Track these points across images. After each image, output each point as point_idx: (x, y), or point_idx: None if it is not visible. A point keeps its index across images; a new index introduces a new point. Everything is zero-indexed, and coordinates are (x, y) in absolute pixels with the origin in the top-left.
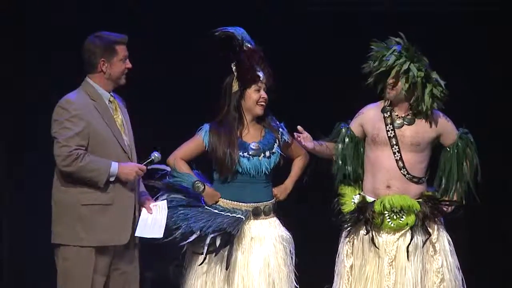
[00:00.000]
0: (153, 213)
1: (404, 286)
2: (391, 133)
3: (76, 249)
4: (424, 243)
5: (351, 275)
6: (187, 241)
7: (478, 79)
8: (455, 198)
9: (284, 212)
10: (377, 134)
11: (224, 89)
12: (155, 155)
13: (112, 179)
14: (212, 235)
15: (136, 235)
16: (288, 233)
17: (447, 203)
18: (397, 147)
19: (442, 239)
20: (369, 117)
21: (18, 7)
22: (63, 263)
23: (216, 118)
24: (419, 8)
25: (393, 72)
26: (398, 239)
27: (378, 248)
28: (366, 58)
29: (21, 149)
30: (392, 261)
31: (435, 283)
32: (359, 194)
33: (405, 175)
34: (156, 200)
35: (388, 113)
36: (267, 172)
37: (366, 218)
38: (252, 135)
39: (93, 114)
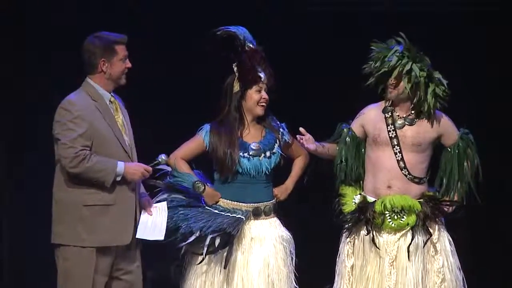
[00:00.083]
0: (153, 215)
1: (405, 286)
2: (392, 134)
3: (77, 249)
4: (425, 243)
5: (352, 275)
6: (186, 242)
7: (477, 79)
8: (456, 199)
9: (285, 212)
10: (378, 134)
11: (225, 89)
12: (162, 157)
13: (118, 178)
14: (211, 236)
15: (137, 237)
16: (289, 233)
17: (448, 203)
18: (398, 147)
19: (443, 239)
20: (370, 117)
21: (18, 7)
22: (64, 263)
23: (217, 118)
24: (419, 8)
25: (395, 72)
26: (399, 239)
27: (379, 248)
28: (367, 59)
29: (21, 149)
30: (393, 261)
31: (436, 283)
32: (360, 194)
33: (406, 176)
34: (156, 200)
35: (389, 114)
36: (267, 172)
37: (367, 218)
38: (252, 135)
39: (95, 115)
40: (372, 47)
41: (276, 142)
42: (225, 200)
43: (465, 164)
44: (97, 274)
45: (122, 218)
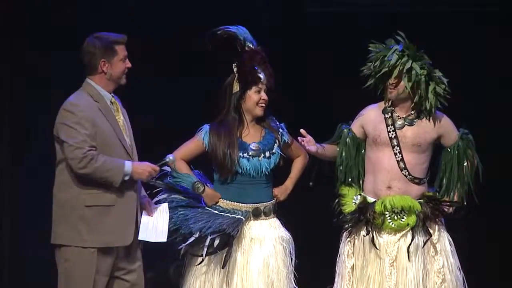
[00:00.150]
0: (154, 216)
1: (405, 287)
2: (392, 134)
3: (78, 250)
4: (424, 244)
5: (352, 275)
6: (186, 243)
7: (477, 79)
8: (455, 199)
9: (285, 212)
10: (378, 135)
11: (224, 89)
12: (170, 157)
13: (126, 178)
14: (211, 236)
15: (139, 238)
16: (288, 234)
17: (448, 203)
18: (398, 148)
19: (443, 239)
20: (370, 118)
21: (18, 7)
22: (65, 263)
23: (216, 118)
24: (419, 8)
25: (396, 72)
26: (399, 239)
27: (378, 249)
28: (366, 60)
29: (21, 149)
30: (393, 262)
31: (436, 283)
32: (360, 194)
33: (406, 176)
34: (155, 200)
35: (389, 114)
36: (267, 173)
37: (367, 218)
38: (252, 136)
39: (98, 116)
40: (370, 48)
41: (276, 143)
42: (225, 200)
43: (465, 164)
44: (98, 275)
45: (124, 218)
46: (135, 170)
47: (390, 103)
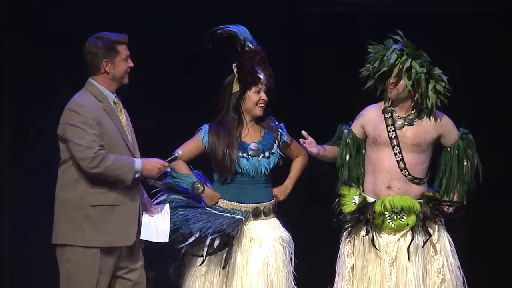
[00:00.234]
0: (155, 216)
1: (406, 287)
2: (392, 134)
3: (81, 250)
4: (424, 244)
5: (352, 275)
6: (186, 243)
7: (477, 79)
8: (455, 199)
9: (284, 212)
10: (378, 135)
11: (224, 89)
12: (179, 152)
13: (137, 175)
14: (211, 237)
15: (141, 238)
16: (288, 234)
17: (448, 203)
18: (398, 148)
19: (443, 239)
20: (370, 118)
21: (18, 7)
22: (67, 264)
23: (216, 118)
24: (419, 8)
25: (395, 71)
26: (399, 239)
27: (378, 249)
28: (365, 60)
29: (21, 149)
30: (393, 262)
31: (436, 283)
32: (360, 194)
33: (406, 176)
34: (155, 200)
35: (389, 114)
36: (266, 173)
37: (367, 218)
38: (251, 136)
39: (103, 116)
40: (369, 49)
41: (275, 142)
42: (225, 200)
43: (465, 164)
44: (101, 275)
45: (127, 218)
46: (144, 167)
47: (390, 103)
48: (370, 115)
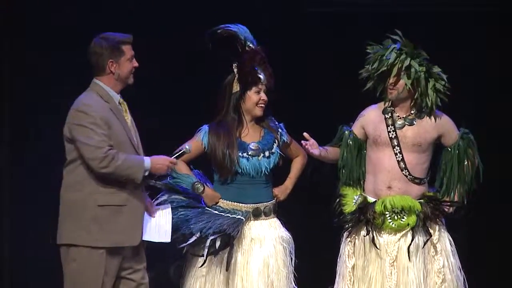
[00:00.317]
0: (157, 217)
1: (407, 287)
2: (392, 134)
3: (87, 250)
4: (424, 244)
5: (353, 275)
6: (186, 243)
7: (477, 79)
8: (456, 199)
9: (285, 212)
10: (378, 135)
11: (224, 89)
12: (186, 147)
13: (146, 173)
14: (212, 237)
15: (143, 239)
16: (288, 234)
17: (448, 203)
18: (398, 148)
19: (443, 239)
20: (370, 118)
21: (18, 7)
22: (72, 264)
23: (215, 118)
24: (419, 8)
25: (394, 70)
26: (399, 239)
27: (379, 249)
28: (365, 61)
29: (21, 149)
30: (393, 262)
31: (436, 283)
32: (361, 194)
33: (406, 176)
34: (156, 201)
35: (389, 114)
36: (266, 173)
37: (367, 218)
38: (251, 136)
39: (110, 116)
40: (368, 50)
41: (275, 142)
42: (225, 201)
43: (466, 164)
44: (106, 276)
45: (134, 218)
46: (153, 166)
47: (390, 103)
48: (370, 116)
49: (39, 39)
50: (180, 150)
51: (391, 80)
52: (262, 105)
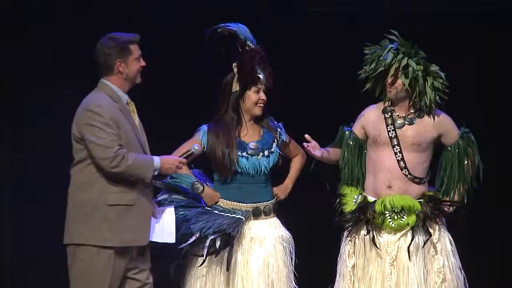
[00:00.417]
0: (160, 217)
1: (407, 286)
2: (392, 134)
3: (96, 250)
4: (424, 243)
5: (353, 274)
6: (186, 243)
7: (477, 79)
8: (456, 198)
9: (284, 212)
10: (378, 135)
11: (223, 88)
12: (195, 147)
13: (155, 173)
14: (212, 237)
15: (149, 239)
16: (288, 233)
17: (448, 203)
18: (398, 147)
19: (443, 239)
20: (370, 118)
21: (18, 7)
22: (79, 264)
23: (215, 118)
24: (419, 8)
25: (392, 70)
26: (399, 239)
27: (379, 248)
28: (365, 61)
29: (21, 149)
30: (393, 261)
31: (436, 283)
32: (361, 194)
33: (406, 176)
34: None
35: (389, 114)
36: (266, 172)
37: (367, 218)
38: (250, 135)
39: (120, 116)
40: (366, 51)
41: (274, 142)
42: (225, 200)
43: (466, 163)
44: (113, 276)
45: (142, 218)
46: (163, 166)
47: (389, 103)
48: (370, 115)
49: (39, 39)
50: (189, 151)
51: (389, 80)
52: (262, 105)
